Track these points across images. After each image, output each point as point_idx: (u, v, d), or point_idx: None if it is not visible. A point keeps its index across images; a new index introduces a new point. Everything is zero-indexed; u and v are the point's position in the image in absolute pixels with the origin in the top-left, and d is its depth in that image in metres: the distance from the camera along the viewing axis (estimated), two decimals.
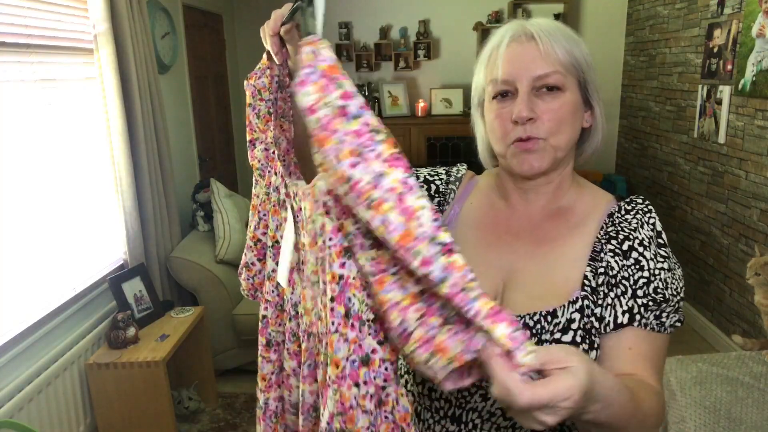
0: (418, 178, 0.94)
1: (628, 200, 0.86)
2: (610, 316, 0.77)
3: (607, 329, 0.77)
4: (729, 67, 2.92)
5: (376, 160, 0.53)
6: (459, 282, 0.52)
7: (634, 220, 0.83)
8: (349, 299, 0.60)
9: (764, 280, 1.80)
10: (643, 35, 4.12)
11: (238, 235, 2.98)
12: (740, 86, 2.81)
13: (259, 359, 0.84)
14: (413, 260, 0.52)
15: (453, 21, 4.54)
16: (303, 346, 0.72)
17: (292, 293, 0.77)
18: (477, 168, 1.01)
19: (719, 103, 3.03)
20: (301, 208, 0.71)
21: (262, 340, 0.84)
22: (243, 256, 0.88)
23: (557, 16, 4.38)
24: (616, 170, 4.66)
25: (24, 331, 1.99)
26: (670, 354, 1.91)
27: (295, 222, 0.74)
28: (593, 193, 0.89)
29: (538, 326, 0.77)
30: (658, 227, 0.83)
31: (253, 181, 0.86)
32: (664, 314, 0.78)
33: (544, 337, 0.76)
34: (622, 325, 0.76)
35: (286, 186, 0.77)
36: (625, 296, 0.77)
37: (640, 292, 0.77)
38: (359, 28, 4.59)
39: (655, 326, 0.77)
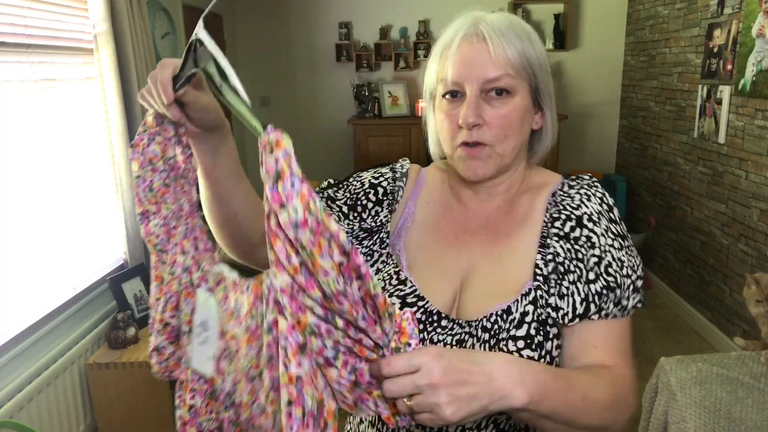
0: (362, 184, 0.93)
1: (573, 177, 0.86)
2: (568, 306, 0.75)
3: (566, 319, 0.75)
4: (729, 67, 2.92)
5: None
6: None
7: (578, 196, 0.82)
8: (305, 400, 0.59)
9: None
10: (643, 35, 4.12)
11: None
12: (740, 86, 2.81)
13: None
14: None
15: None
16: None
17: (224, 382, 0.74)
18: None
19: (719, 103, 3.03)
20: (227, 297, 0.69)
21: (191, 430, 0.80)
22: (152, 338, 0.80)
23: (557, 17, 4.38)
24: (616, 170, 4.66)
25: (24, 331, 1.99)
26: (670, 354, 1.91)
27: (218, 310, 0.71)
28: (541, 179, 0.88)
29: (495, 327, 0.76)
30: (609, 201, 0.82)
31: (152, 258, 0.77)
32: (624, 299, 0.76)
33: (501, 336, 0.75)
34: (580, 316, 0.75)
35: (200, 269, 0.74)
36: (581, 281, 0.75)
37: (592, 275, 0.75)
38: (359, 28, 4.59)
39: (617, 313, 0.76)
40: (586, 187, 0.83)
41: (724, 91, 2.98)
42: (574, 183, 0.85)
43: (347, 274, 0.55)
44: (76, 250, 2.34)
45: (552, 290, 0.76)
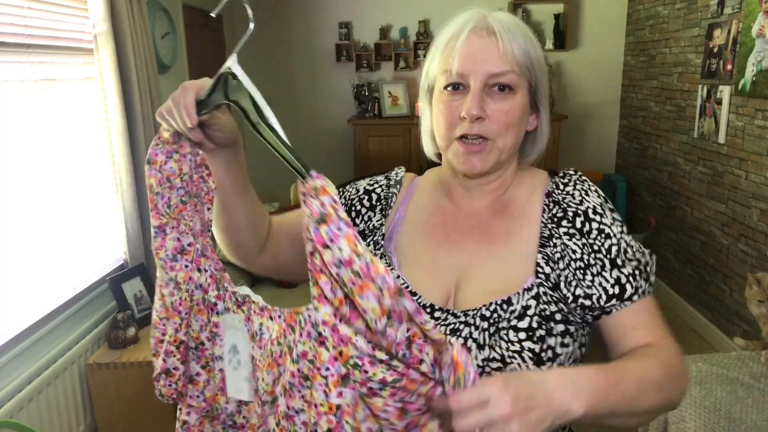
0: (357, 191, 0.94)
1: (561, 174, 0.86)
2: (598, 295, 0.76)
3: (601, 302, 0.76)
4: (729, 67, 2.92)
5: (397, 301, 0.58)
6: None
7: (576, 192, 0.83)
8: (343, 427, 0.61)
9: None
10: (643, 35, 4.12)
11: None
12: (740, 86, 2.81)
13: None
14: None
15: None
16: None
17: (227, 402, 0.76)
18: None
19: (719, 103, 3.03)
20: (249, 319, 0.71)
21: None
22: (160, 362, 0.78)
23: (557, 17, 4.37)
24: (616, 170, 4.66)
25: (24, 331, 1.99)
26: None
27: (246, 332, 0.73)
28: (531, 178, 0.89)
29: (495, 315, 0.77)
30: (601, 193, 0.84)
31: (157, 275, 0.77)
32: (651, 276, 0.79)
33: (501, 324, 0.76)
34: (614, 296, 0.76)
35: (218, 288, 0.75)
36: (606, 270, 0.77)
37: (619, 261, 0.77)
38: (359, 28, 4.59)
39: (648, 289, 0.78)
40: (579, 182, 0.84)
41: (724, 91, 2.98)
42: (566, 180, 0.85)
43: (396, 318, 0.58)
44: (76, 250, 2.34)
45: (563, 287, 0.77)
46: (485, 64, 0.78)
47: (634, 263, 0.77)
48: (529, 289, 0.77)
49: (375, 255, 0.89)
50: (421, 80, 0.88)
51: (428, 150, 0.92)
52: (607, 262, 0.77)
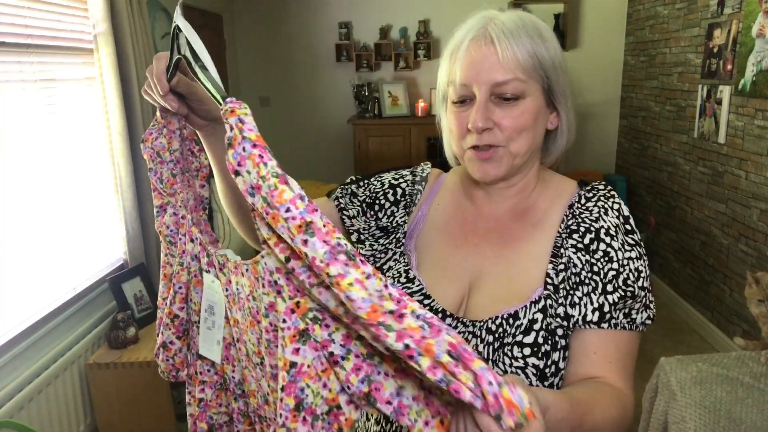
0: (383, 184, 0.93)
1: (589, 188, 0.84)
2: (579, 314, 0.74)
3: (577, 327, 0.74)
4: (729, 67, 2.92)
5: (321, 233, 0.48)
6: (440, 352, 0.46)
7: (596, 209, 0.80)
8: (302, 390, 0.54)
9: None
10: (643, 35, 4.12)
11: (238, 234, 2.98)
12: (740, 86, 2.81)
13: None
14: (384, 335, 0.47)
15: (453, 21, 4.50)
16: (256, 427, 0.69)
17: (233, 371, 0.72)
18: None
19: (719, 103, 3.03)
20: (230, 281, 0.67)
21: (202, 426, 0.77)
22: (158, 335, 0.79)
23: (557, 17, 4.37)
24: (616, 170, 4.66)
25: (24, 331, 1.99)
26: (670, 354, 1.91)
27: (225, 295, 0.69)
28: (557, 186, 0.87)
29: (500, 330, 0.75)
30: (625, 212, 0.80)
31: (161, 249, 0.79)
32: (634, 311, 0.76)
33: (506, 340, 0.74)
34: (590, 323, 0.74)
35: (207, 255, 0.72)
36: (596, 293, 0.74)
37: (610, 287, 0.74)
38: (359, 28, 4.59)
39: (625, 324, 0.75)
40: (603, 198, 0.82)
41: (724, 91, 2.97)
42: (590, 194, 0.83)
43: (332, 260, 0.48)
44: (76, 250, 2.34)
45: (561, 300, 0.76)
46: (487, 73, 0.76)
47: (628, 291, 0.74)
48: (536, 302, 0.76)
49: (392, 252, 0.87)
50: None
51: (449, 155, 0.92)
52: (600, 285, 0.75)
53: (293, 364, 0.54)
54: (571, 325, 0.75)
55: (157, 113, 0.75)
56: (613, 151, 4.68)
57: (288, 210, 0.48)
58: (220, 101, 0.56)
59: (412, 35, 4.56)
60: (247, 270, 0.62)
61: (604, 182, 0.86)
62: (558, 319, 0.75)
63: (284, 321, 0.55)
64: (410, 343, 0.46)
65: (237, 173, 0.50)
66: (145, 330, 2.47)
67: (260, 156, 0.49)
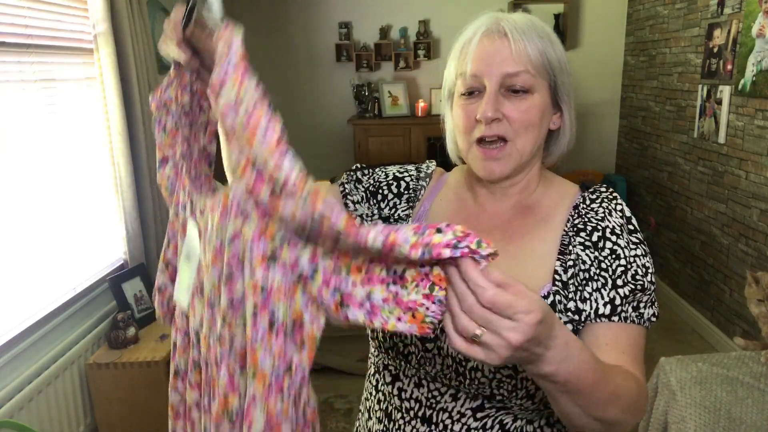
0: (387, 175, 0.94)
1: (591, 190, 0.86)
2: (591, 308, 0.76)
3: (588, 321, 0.76)
4: (729, 67, 2.92)
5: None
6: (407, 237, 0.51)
7: (600, 209, 0.82)
8: (273, 312, 0.56)
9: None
10: (643, 35, 4.12)
11: None
12: (740, 86, 2.81)
13: (169, 388, 0.79)
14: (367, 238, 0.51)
15: (453, 21, 4.54)
16: (203, 375, 0.69)
17: (193, 318, 0.72)
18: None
19: (719, 103, 3.03)
20: (207, 227, 0.67)
21: (172, 367, 0.78)
22: (156, 279, 0.82)
23: (557, 17, 4.37)
24: (616, 170, 4.66)
25: (24, 331, 1.99)
26: (670, 354, 1.91)
27: (201, 241, 0.70)
28: (560, 187, 0.89)
29: None
30: (627, 213, 0.83)
31: (171, 212, 0.80)
32: (642, 305, 0.77)
33: None
34: (602, 316, 0.75)
35: (192, 203, 0.73)
36: (606, 288, 0.76)
37: (620, 281, 0.76)
38: (359, 28, 4.59)
39: (635, 318, 0.76)
40: (606, 200, 0.84)
41: (724, 91, 2.97)
42: (594, 196, 0.85)
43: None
44: (76, 250, 2.34)
45: (571, 295, 0.77)
46: (498, 65, 0.77)
47: (638, 285, 0.77)
48: (545, 297, 0.76)
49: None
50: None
51: (452, 154, 0.92)
52: (609, 281, 0.77)
53: (263, 288, 0.56)
54: (582, 319, 0.76)
55: (171, 70, 0.75)
56: (613, 151, 4.68)
57: (266, 130, 0.50)
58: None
59: (412, 35, 4.55)
60: (218, 203, 0.63)
61: (605, 185, 0.87)
62: (569, 314, 0.76)
63: (252, 245, 0.57)
64: (388, 237, 0.51)
65: (219, 95, 0.51)
66: (145, 330, 2.47)
67: (243, 75, 0.51)
